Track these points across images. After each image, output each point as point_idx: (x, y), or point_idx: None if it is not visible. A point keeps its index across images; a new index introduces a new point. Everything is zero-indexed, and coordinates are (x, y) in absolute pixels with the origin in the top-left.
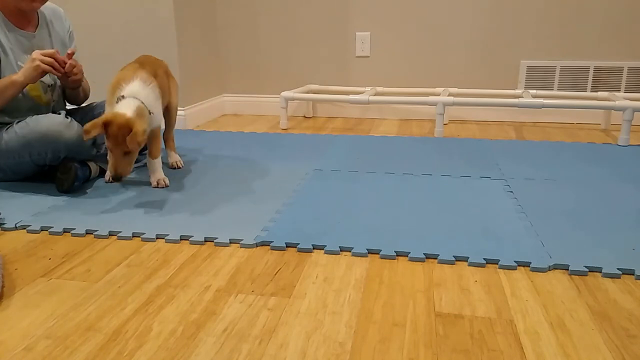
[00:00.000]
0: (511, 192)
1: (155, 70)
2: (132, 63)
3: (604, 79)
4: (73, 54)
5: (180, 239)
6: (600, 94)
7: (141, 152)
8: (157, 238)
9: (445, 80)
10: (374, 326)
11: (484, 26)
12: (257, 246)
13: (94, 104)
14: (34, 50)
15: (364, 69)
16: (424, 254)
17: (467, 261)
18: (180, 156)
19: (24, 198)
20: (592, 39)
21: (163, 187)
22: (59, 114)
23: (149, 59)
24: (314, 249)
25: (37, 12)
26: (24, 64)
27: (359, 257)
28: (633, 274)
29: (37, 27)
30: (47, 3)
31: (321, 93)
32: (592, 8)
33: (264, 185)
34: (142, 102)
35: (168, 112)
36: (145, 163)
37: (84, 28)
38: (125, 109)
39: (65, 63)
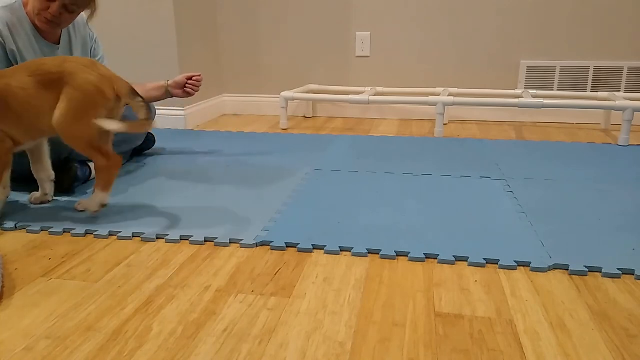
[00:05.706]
0: (511, 192)
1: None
2: None
3: (604, 79)
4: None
5: (180, 239)
6: (600, 94)
7: (140, 152)
8: (157, 238)
9: (445, 80)
10: (374, 326)
11: (484, 26)
12: (257, 246)
13: None
14: None
15: (364, 69)
16: (424, 254)
17: (467, 261)
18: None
19: (24, 198)
20: (592, 39)
21: None
22: None
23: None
24: (314, 249)
25: None
26: None
27: (359, 257)
28: (633, 274)
29: (60, 37)
30: None
31: (321, 93)
32: (592, 8)
33: (264, 185)
34: None
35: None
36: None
37: None
38: None
39: None
